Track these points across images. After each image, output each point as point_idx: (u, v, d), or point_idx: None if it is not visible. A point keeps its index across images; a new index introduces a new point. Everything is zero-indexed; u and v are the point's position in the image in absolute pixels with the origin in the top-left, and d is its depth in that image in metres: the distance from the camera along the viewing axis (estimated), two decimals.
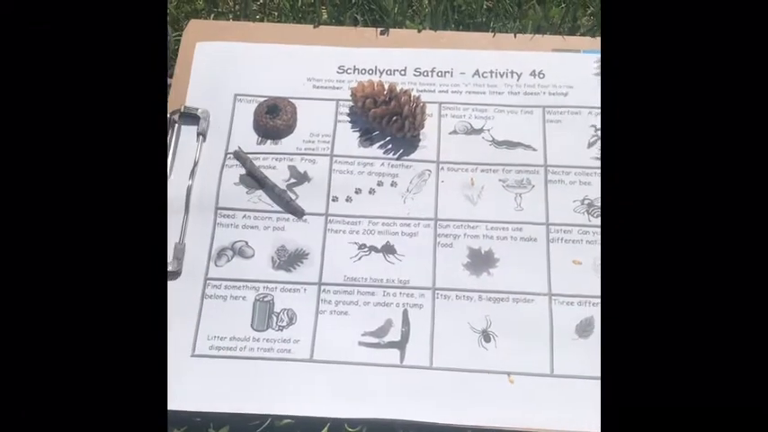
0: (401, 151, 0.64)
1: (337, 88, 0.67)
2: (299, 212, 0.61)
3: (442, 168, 0.64)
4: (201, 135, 0.64)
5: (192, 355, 0.57)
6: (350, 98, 0.65)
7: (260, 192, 0.63)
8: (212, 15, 0.73)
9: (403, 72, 0.68)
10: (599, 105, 0.66)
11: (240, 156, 0.63)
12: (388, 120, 0.63)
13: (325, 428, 0.54)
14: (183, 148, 0.64)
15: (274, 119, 0.64)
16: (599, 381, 0.54)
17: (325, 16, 0.73)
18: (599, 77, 0.67)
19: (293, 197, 0.62)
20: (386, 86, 0.64)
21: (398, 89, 0.64)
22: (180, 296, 0.58)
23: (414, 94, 0.64)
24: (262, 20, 0.74)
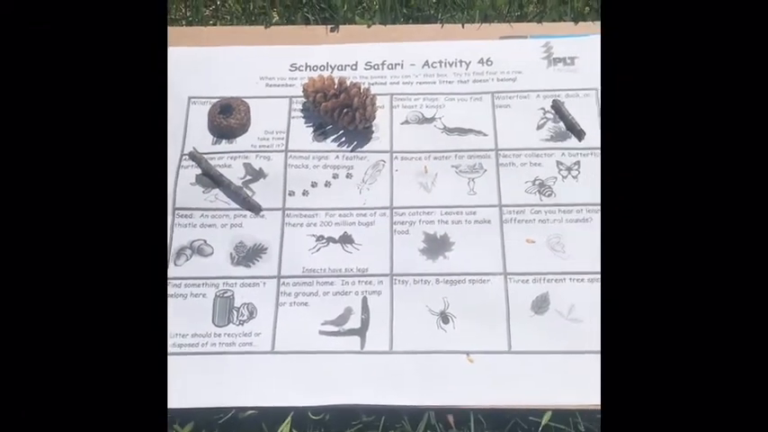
0: (355, 143, 0.65)
1: (290, 86, 0.68)
2: (256, 208, 0.62)
3: (396, 158, 0.65)
4: None
5: None
6: (302, 94, 0.66)
7: (216, 190, 0.63)
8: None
9: (354, 67, 0.69)
10: (547, 88, 0.67)
11: (195, 156, 0.64)
12: (339, 112, 0.64)
13: (289, 418, 0.55)
14: None
15: (228, 118, 0.65)
16: (557, 355, 0.56)
17: (276, 18, 0.74)
18: (546, 61, 0.69)
19: (250, 194, 0.63)
20: (336, 80, 0.65)
21: (348, 82, 0.65)
22: None
23: (363, 86, 0.66)
24: (215, 24, 0.75)
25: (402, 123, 0.66)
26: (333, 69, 0.69)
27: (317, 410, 0.55)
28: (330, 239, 0.61)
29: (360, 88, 0.65)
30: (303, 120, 0.67)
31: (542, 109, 0.66)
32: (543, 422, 0.54)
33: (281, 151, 0.65)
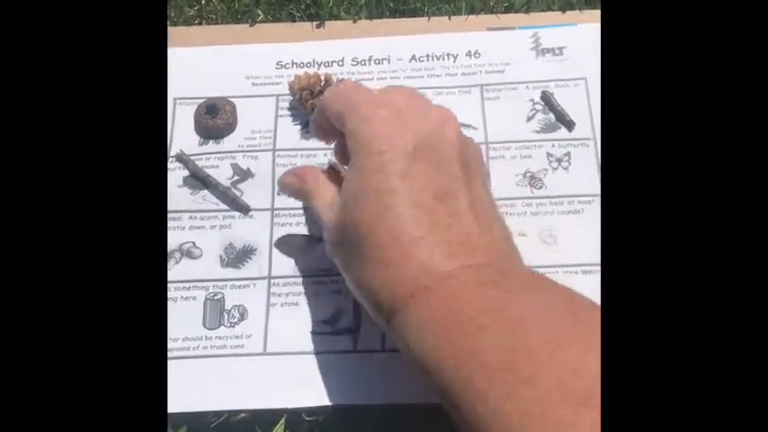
0: None
1: (276, 84, 0.68)
2: (244, 209, 0.62)
3: None
4: None
5: None
6: (288, 92, 0.66)
7: (204, 192, 0.63)
8: None
9: (341, 63, 0.69)
10: (535, 79, 0.67)
11: (182, 158, 0.63)
12: None
13: (282, 419, 0.54)
14: None
15: (214, 118, 0.65)
16: None
17: (261, 16, 0.73)
18: (535, 52, 0.68)
19: (238, 194, 0.62)
20: (322, 77, 0.65)
21: (334, 79, 0.65)
22: None
23: None
24: (199, 24, 0.74)
25: None
26: (319, 66, 0.69)
27: (310, 411, 0.54)
28: (319, 238, 0.61)
29: None
30: (290, 118, 0.66)
31: (531, 100, 0.66)
32: None
33: (269, 150, 0.64)
